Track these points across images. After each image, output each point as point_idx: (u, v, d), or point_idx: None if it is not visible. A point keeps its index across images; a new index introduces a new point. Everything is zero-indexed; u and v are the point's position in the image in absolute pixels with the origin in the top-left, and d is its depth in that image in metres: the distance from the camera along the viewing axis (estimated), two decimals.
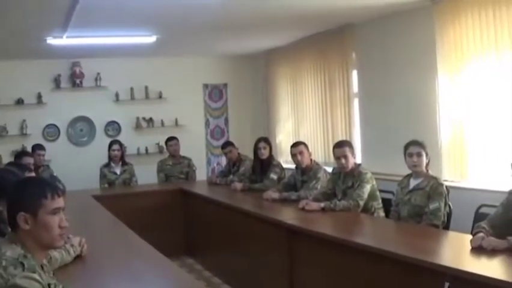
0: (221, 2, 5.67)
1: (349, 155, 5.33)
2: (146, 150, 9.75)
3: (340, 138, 7.53)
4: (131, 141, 9.58)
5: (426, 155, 4.81)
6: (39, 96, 9.16)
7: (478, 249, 3.42)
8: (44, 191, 2.30)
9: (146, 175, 8.55)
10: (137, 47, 8.23)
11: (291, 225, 4.86)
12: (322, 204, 5.23)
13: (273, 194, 6.10)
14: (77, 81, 9.36)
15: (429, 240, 4.06)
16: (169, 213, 7.67)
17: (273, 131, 9.87)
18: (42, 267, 2.29)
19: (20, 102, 9.06)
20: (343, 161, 5.32)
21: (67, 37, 7.05)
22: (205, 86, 10.28)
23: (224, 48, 9.34)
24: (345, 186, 5.39)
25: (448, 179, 5.94)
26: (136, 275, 3.38)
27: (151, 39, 7.59)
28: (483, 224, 3.68)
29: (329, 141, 7.90)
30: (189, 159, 8.66)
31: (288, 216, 5.25)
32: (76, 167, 9.04)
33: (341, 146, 5.40)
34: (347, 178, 5.39)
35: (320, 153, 8.29)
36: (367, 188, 5.20)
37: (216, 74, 10.30)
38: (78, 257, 3.64)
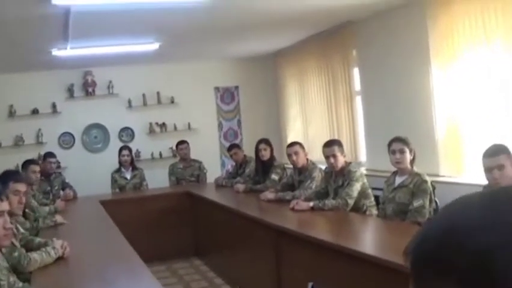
0: (217, 5, 5.63)
1: (338, 154, 5.34)
2: (160, 154, 9.86)
3: (345, 136, 7.60)
4: (145, 146, 9.75)
5: (410, 151, 4.77)
6: (53, 106, 9.36)
7: None
8: None
9: (161, 179, 8.68)
10: (145, 54, 8.32)
11: (278, 227, 4.91)
12: (311, 204, 5.27)
13: (269, 194, 6.18)
14: (90, 89, 9.52)
15: (409, 238, 4.02)
16: (178, 216, 7.77)
17: (284, 131, 9.93)
18: None
19: (35, 112, 9.27)
20: (332, 160, 5.34)
21: (71, 48, 7.20)
22: (217, 89, 10.34)
23: (233, 51, 9.39)
24: (336, 185, 5.41)
25: (445, 174, 5.93)
26: (108, 279, 3.50)
27: (154, 46, 7.68)
28: None
29: None
30: (200, 162, 8.76)
31: (278, 217, 5.28)
32: (92, 173, 9.20)
33: (330, 145, 5.42)
34: (338, 177, 5.42)
35: None
36: (356, 187, 5.21)
37: (227, 77, 10.34)
38: (61, 259, 3.84)
